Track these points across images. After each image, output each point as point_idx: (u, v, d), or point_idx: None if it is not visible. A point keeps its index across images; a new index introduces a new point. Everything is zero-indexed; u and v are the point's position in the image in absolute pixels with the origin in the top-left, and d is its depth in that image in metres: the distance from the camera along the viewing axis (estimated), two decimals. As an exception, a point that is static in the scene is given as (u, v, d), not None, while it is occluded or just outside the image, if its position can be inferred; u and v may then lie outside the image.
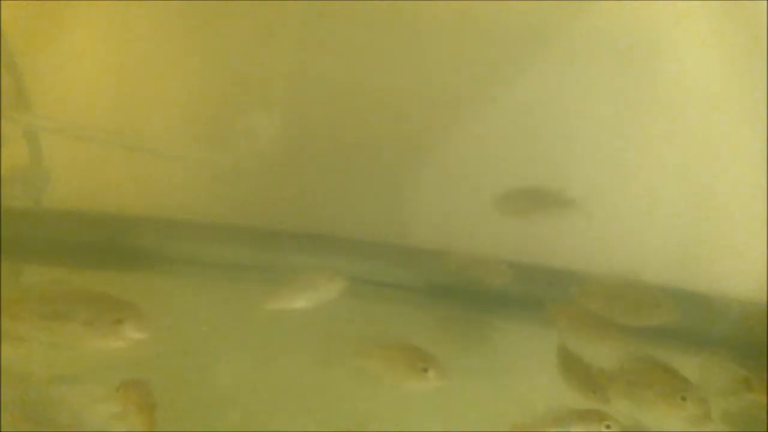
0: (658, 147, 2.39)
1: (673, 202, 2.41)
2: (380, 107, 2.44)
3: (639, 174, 2.42)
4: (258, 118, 2.49)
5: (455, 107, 2.44)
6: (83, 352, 1.41)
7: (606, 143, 2.41)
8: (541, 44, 2.32)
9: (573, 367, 1.78)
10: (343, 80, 2.43)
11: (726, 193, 2.36)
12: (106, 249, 2.42)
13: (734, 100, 2.25)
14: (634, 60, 2.30)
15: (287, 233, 2.53)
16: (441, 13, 2.33)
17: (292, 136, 2.50)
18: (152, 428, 1.40)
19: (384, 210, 2.54)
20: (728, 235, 2.36)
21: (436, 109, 2.45)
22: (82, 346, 1.36)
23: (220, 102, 2.52)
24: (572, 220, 2.45)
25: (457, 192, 2.52)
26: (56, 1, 2.41)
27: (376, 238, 2.51)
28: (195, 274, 2.41)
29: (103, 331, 1.33)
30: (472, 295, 2.40)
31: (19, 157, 2.45)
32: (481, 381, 2.00)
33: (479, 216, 2.49)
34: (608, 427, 1.46)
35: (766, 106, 2.16)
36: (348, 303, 2.37)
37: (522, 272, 2.31)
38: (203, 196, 2.56)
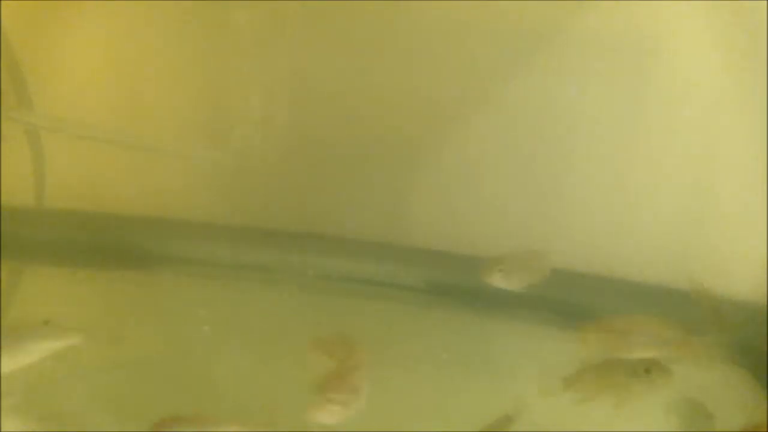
0: (658, 147, 2.39)
1: (673, 202, 2.41)
2: (380, 107, 2.44)
3: (639, 174, 2.42)
4: (258, 118, 2.49)
5: (455, 107, 2.44)
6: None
7: (605, 143, 2.41)
8: (541, 44, 2.32)
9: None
10: (344, 80, 2.43)
11: (726, 193, 2.36)
12: (106, 249, 2.42)
13: (734, 100, 2.25)
14: (634, 60, 2.30)
15: (287, 233, 2.53)
16: (441, 14, 2.33)
17: (292, 135, 2.50)
18: None
19: (384, 210, 2.54)
20: (728, 235, 2.36)
21: (436, 109, 2.45)
22: None
23: (220, 102, 2.52)
24: (572, 220, 2.46)
25: (457, 192, 2.52)
26: (56, 1, 2.41)
27: (376, 238, 2.51)
28: (195, 274, 2.41)
29: None
30: (472, 295, 2.40)
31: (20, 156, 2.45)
32: (478, 380, 2.01)
33: (479, 216, 2.49)
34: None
35: (766, 106, 2.16)
36: (348, 303, 2.38)
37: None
38: (203, 196, 2.56)
